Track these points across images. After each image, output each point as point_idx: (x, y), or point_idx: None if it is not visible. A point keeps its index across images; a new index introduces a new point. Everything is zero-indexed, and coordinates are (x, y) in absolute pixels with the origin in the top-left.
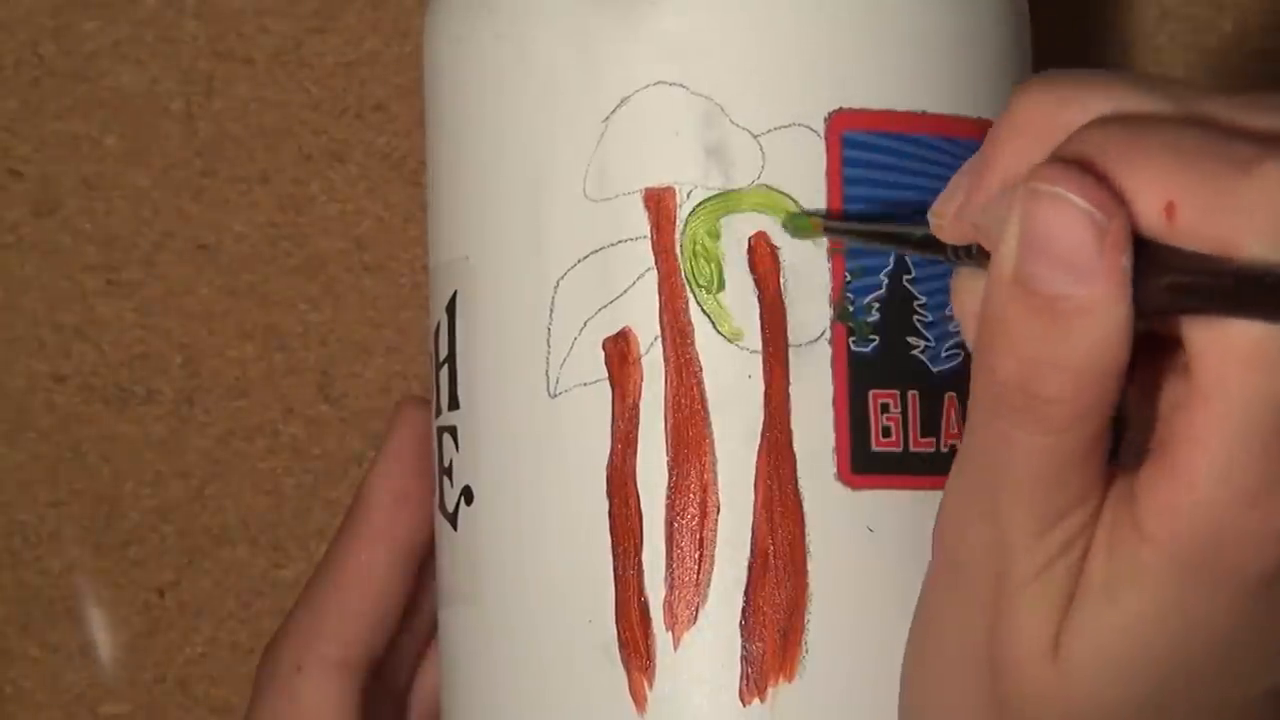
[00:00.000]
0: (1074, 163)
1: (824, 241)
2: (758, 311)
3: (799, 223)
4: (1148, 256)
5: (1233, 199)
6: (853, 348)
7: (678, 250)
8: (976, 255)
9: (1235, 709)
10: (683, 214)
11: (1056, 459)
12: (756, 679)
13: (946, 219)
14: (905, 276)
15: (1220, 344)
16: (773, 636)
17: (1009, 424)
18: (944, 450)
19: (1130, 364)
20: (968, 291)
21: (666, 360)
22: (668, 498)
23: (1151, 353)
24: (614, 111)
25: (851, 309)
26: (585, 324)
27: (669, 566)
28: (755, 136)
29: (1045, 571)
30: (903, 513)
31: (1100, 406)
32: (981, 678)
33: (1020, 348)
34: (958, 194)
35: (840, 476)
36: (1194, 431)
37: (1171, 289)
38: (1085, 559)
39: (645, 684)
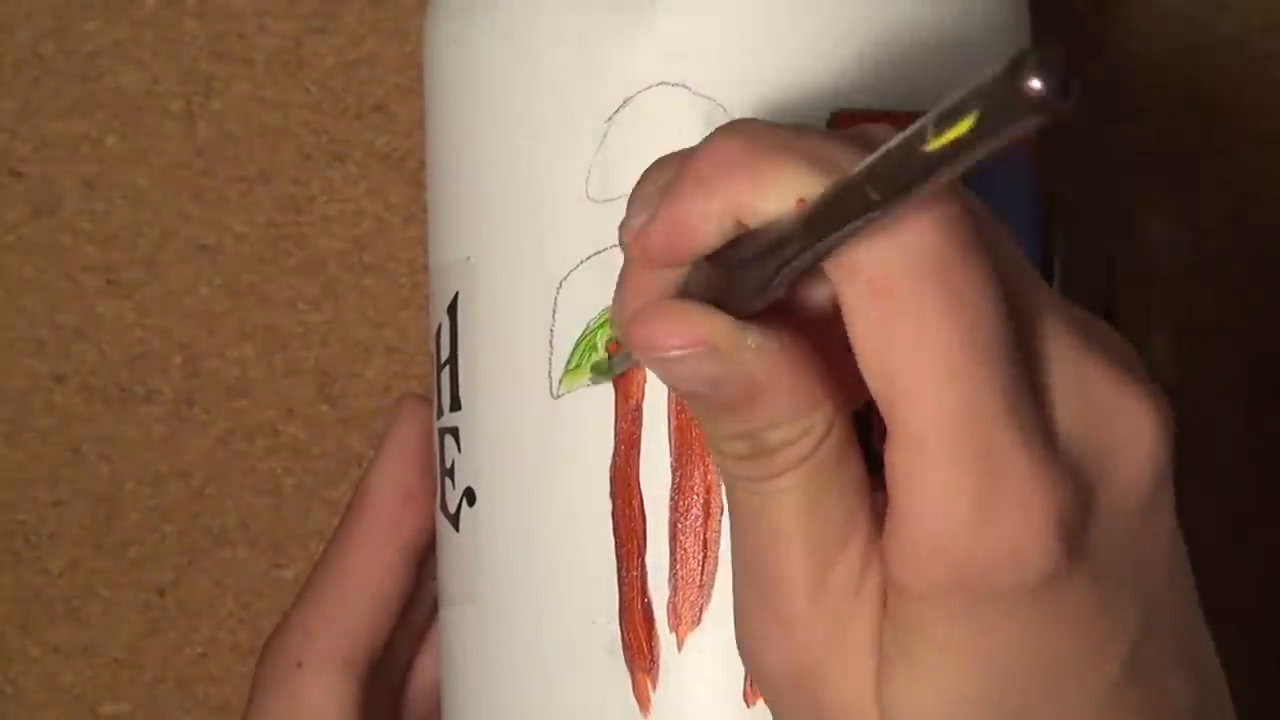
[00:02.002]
0: (655, 314)
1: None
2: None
3: (600, 368)
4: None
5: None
6: None
7: None
8: None
9: (1097, 708)
10: None
11: (808, 490)
12: None
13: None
14: None
15: (885, 380)
16: None
17: (758, 483)
18: None
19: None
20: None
21: None
22: (671, 499)
23: None
24: (616, 112)
25: None
26: (588, 325)
27: (673, 567)
28: None
29: (838, 633)
30: None
31: (826, 427)
32: None
33: (733, 431)
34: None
35: None
36: (897, 474)
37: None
38: (879, 615)
39: (649, 685)
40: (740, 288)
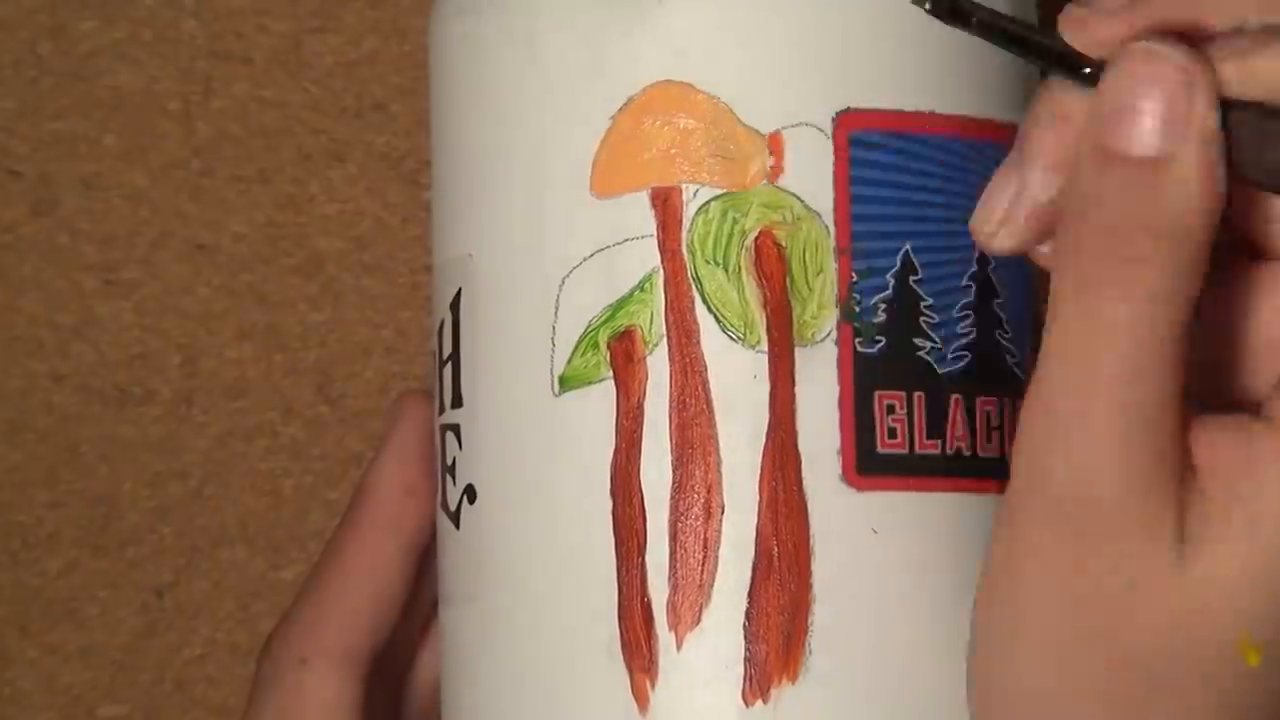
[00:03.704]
0: (1168, 33)
1: (831, 239)
2: (764, 312)
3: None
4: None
5: None
6: (859, 349)
7: (684, 249)
8: None
9: None
10: (689, 213)
11: (1145, 335)
12: (759, 680)
13: (1097, 14)
14: (912, 277)
15: None
16: (776, 638)
17: (1098, 297)
18: (949, 452)
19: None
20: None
21: (671, 360)
22: (672, 498)
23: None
24: (620, 109)
25: (858, 310)
26: (590, 323)
27: (672, 567)
28: (762, 135)
29: (1146, 491)
30: (907, 514)
31: (1189, 273)
32: (1087, 615)
33: (1108, 215)
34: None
35: (845, 478)
36: None
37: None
38: (1200, 484)
39: (648, 684)
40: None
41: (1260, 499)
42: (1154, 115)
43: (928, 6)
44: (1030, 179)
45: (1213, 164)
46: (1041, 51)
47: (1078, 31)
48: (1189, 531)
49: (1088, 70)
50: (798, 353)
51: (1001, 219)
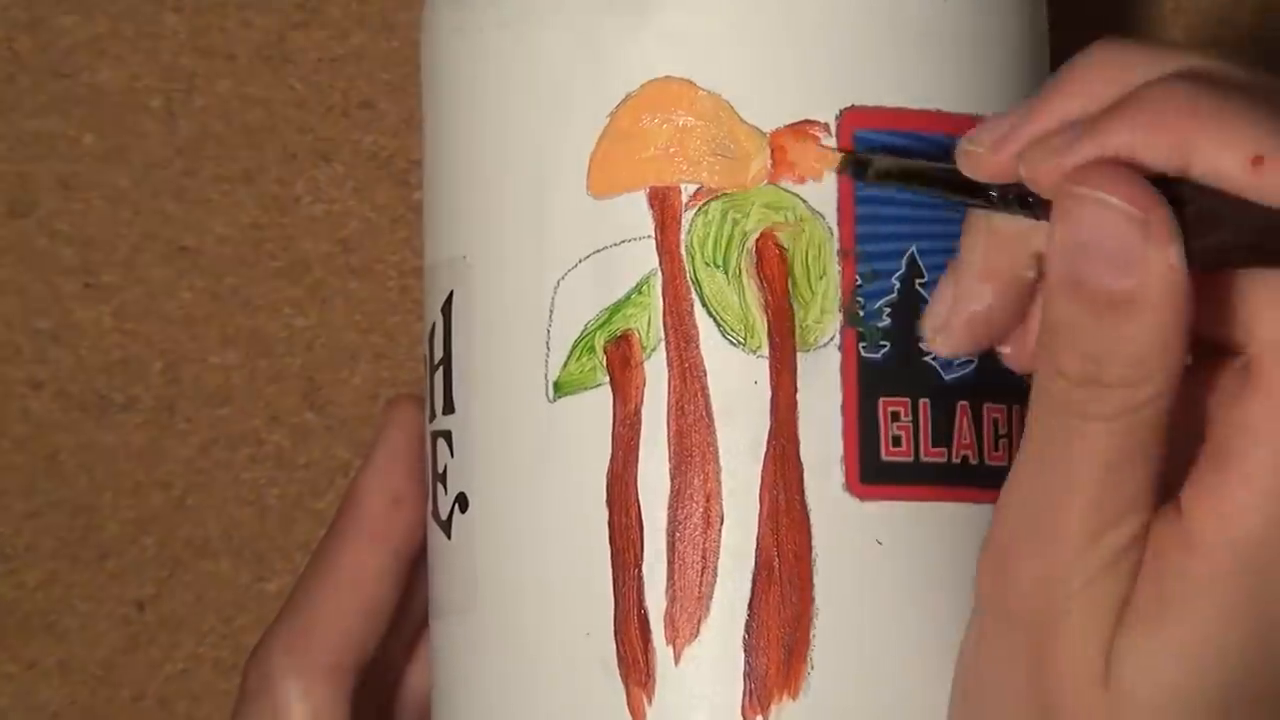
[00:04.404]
0: (1111, 163)
1: (834, 241)
2: (765, 315)
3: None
4: (1212, 214)
5: None
6: (863, 354)
7: (683, 251)
8: (1015, 201)
9: None
10: (688, 213)
11: (1119, 448)
12: (759, 695)
13: (984, 147)
14: (918, 280)
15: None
16: (777, 652)
17: (1077, 418)
18: (955, 461)
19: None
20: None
21: (670, 365)
22: (670, 507)
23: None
24: (619, 106)
25: (862, 313)
26: (586, 326)
27: (670, 578)
28: (764, 134)
29: (1092, 587)
30: (913, 525)
31: (1161, 390)
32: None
33: (1082, 344)
34: (1002, 126)
35: (848, 487)
36: (1250, 424)
37: (1239, 246)
38: (1133, 582)
39: (644, 699)
40: None
41: (1171, 610)
42: (1112, 255)
43: (837, 169)
44: (962, 290)
45: (1177, 298)
46: (956, 188)
47: (974, 168)
48: (1116, 646)
49: (1001, 195)
50: (800, 358)
51: (938, 326)
